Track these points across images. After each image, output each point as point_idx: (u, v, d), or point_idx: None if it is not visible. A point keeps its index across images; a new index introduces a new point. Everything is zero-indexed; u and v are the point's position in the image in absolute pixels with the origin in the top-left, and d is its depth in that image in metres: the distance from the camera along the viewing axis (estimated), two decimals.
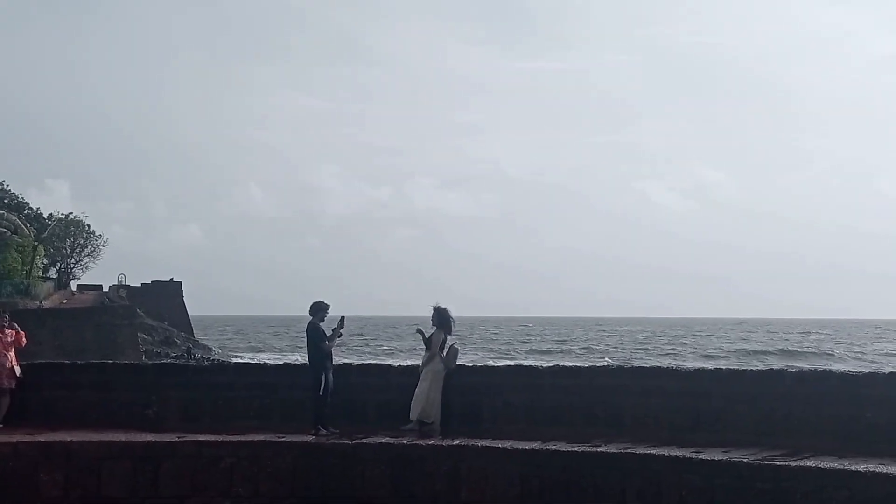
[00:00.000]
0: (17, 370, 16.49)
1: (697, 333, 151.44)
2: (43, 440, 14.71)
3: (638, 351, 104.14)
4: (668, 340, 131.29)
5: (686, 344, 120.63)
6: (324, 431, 15.44)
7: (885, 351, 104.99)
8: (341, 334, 16.42)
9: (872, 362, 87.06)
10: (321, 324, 16.19)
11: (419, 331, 16.64)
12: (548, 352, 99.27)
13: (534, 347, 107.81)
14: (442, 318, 16.41)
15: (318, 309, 16.17)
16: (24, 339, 16.89)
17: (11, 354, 16.55)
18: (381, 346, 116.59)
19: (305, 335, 16.26)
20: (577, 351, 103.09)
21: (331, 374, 15.99)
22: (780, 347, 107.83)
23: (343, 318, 16.46)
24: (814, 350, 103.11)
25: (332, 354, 16.20)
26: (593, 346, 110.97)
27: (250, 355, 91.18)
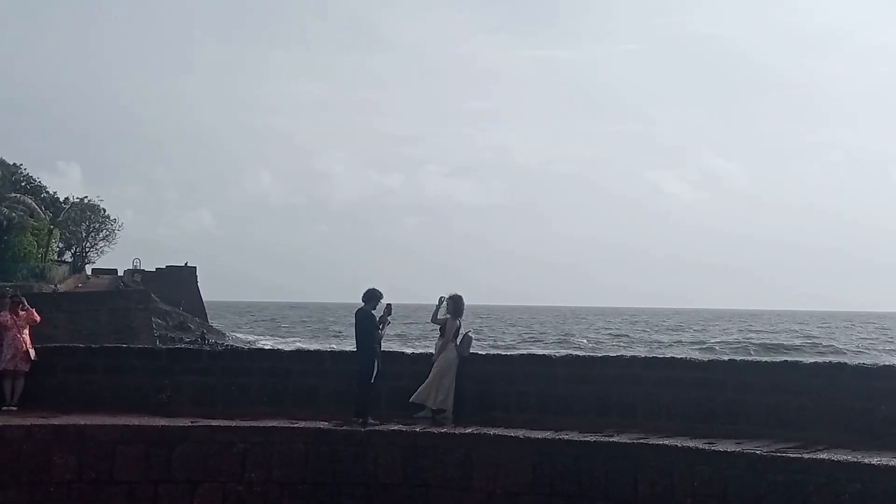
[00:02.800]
0: (32, 353, 16.56)
1: (678, 327, 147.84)
2: (57, 423, 14.76)
3: (610, 342, 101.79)
4: (647, 331, 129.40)
5: (656, 337, 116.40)
6: (373, 421, 15.27)
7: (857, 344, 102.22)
8: (390, 322, 16.35)
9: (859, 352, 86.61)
10: (373, 311, 16.06)
11: (442, 301, 16.46)
12: (509, 346, 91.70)
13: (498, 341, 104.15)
14: (456, 306, 16.40)
15: (372, 297, 16.04)
16: (36, 316, 16.92)
17: (26, 336, 16.61)
18: (390, 332, 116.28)
19: (355, 322, 16.06)
20: (547, 341, 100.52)
21: (379, 362, 15.87)
22: (763, 342, 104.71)
23: (390, 305, 16.36)
24: (798, 346, 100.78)
25: (380, 342, 16.12)
26: (570, 339, 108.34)
27: (264, 340, 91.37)
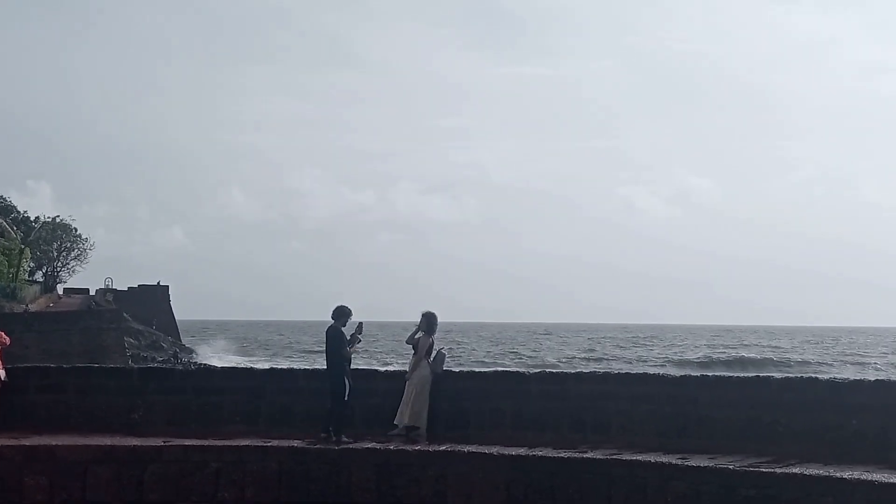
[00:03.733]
0: (2, 374, 16.41)
1: (644, 342, 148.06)
2: (28, 444, 14.66)
3: (581, 359, 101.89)
4: (622, 346, 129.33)
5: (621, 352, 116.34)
6: (346, 439, 15.26)
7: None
8: (360, 340, 16.34)
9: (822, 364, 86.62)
10: (343, 328, 16.10)
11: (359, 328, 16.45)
12: (482, 363, 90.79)
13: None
14: (429, 322, 16.42)
15: (341, 314, 16.02)
16: (5, 337, 16.74)
17: None
18: (365, 349, 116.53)
19: (326, 340, 16.09)
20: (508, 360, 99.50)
21: (350, 380, 15.86)
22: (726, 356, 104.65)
23: (361, 324, 16.40)
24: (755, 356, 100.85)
25: (350, 360, 16.14)
26: (529, 354, 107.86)
27: (237, 359, 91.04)
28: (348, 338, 16.01)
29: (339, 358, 15.84)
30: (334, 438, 15.26)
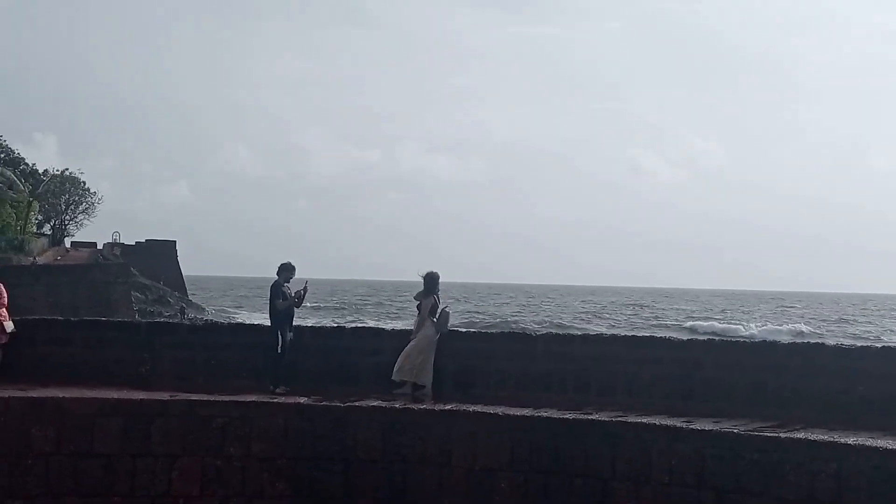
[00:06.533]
0: (11, 325, 16.42)
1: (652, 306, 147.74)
2: (35, 396, 14.72)
3: (586, 321, 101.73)
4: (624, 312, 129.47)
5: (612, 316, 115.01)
6: (280, 390, 15.64)
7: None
8: (302, 297, 16.67)
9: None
10: (286, 284, 16.50)
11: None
12: (489, 325, 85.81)
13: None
14: (428, 282, 16.45)
15: (283, 269, 16.56)
16: (4, 292, 16.59)
17: (3, 309, 16.43)
18: (371, 308, 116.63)
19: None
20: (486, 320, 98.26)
21: (288, 334, 16.24)
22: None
23: (307, 283, 16.87)
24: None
25: (291, 314, 16.48)
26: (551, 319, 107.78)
27: (243, 315, 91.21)
28: (293, 294, 16.42)
29: (272, 310, 16.31)
30: (271, 388, 15.64)
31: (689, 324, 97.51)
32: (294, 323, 16.61)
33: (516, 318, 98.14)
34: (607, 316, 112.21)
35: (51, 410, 14.45)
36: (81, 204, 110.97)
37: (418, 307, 16.46)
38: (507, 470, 13.94)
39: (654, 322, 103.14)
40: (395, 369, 15.89)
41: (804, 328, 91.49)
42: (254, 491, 14.54)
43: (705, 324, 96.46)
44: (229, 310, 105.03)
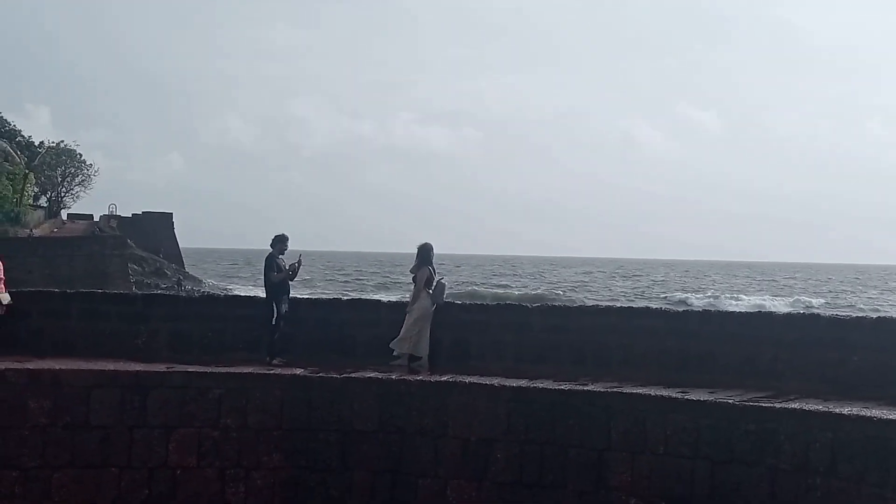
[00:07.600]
0: (7, 297, 16.41)
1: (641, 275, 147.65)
2: (31, 367, 14.72)
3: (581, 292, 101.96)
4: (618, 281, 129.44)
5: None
6: (277, 361, 15.70)
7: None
8: (296, 270, 16.66)
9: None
10: (280, 256, 16.49)
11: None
12: (485, 295, 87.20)
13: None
14: (422, 254, 16.46)
15: (277, 241, 16.53)
16: None
17: None
18: (367, 280, 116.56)
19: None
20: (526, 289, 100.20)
21: (283, 306, 16.25)
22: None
23: (301, 256, 16.87)
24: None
25: (286, 286, 16.46)
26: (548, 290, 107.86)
27: (241, 287, 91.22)
28: (287, 267, 16.42)
29: (267, 283, 16.33)
30: (268, 360, 15.69)
31: (680, 296, 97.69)
32: (291, 296, 16.61)
33: (512, 291, 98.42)
34: (596, 289, 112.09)
35: (47, 382, 14.47)
36: (77, 176, 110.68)
37: (414, 279, 16.47)
38: (503, 440, 14.00)
39: (653, 295, 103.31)
40: (395, 340, 15.92)
41: (813, 301, 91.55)
42: (250, 462, 14.58)
43: (698, 297, 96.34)
44: (225, 283, 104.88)
